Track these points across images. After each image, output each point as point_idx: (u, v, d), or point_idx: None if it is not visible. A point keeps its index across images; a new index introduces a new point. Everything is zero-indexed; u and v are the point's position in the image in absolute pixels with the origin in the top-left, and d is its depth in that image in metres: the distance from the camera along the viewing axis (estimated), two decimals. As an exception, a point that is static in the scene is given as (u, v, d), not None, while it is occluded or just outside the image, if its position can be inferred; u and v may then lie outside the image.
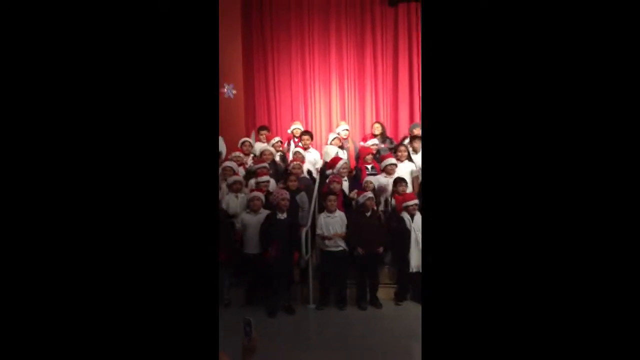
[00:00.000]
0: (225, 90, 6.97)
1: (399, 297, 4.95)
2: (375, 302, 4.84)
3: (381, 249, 4.90)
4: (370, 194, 4.92)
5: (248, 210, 4.90)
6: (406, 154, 6.05)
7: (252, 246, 4.80)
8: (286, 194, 4.77)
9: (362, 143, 6.74)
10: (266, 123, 7.49)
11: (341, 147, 6.43)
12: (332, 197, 4.89)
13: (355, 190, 5.45)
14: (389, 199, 5.51)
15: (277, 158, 6.30)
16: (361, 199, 4.92)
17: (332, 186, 5.16)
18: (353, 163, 6.34)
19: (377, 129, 6.75)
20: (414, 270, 4.80)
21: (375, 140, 6.52)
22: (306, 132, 6.62)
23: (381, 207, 5.41)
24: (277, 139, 6.70)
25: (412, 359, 3.68)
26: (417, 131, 6.71)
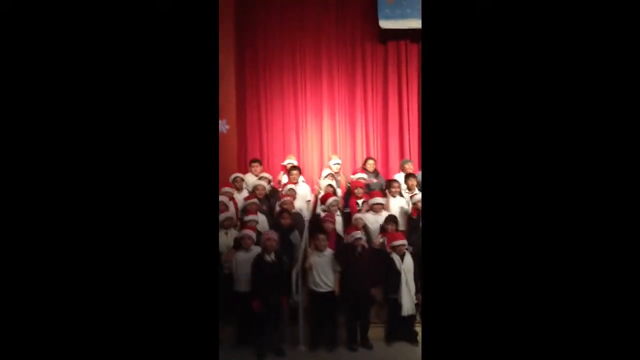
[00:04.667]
0: (219, 125, 7.04)
1: (390, 338, 4.90)
2: (366, 343, 4.79)
3: (375, 292, 4.85)
4: (358, 234, 4.87)
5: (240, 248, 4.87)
6: (399, 189, 6.10)
7: (243, 284, 4.76)
8: (273, 235, 4.73)
9: (351, 176, 6.77)
10: (258, 157, 7.54)
11: (334, 182, 6.42)
12: (322, 236, 4.87)
13: (346, 228, 5.45)
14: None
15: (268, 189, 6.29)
16: (349, 239, 4.90)
17: (325, 225, 5.16)
18: (345, 198, 6.33)
19: (371, 165, 6.81)
20: (407, 313, 4.75)
21: (362, 174, 6.54)
22: (295, 167, 6.64)
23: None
24: (266, 175, 6.68)
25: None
26: (409, 167, 6.79)
